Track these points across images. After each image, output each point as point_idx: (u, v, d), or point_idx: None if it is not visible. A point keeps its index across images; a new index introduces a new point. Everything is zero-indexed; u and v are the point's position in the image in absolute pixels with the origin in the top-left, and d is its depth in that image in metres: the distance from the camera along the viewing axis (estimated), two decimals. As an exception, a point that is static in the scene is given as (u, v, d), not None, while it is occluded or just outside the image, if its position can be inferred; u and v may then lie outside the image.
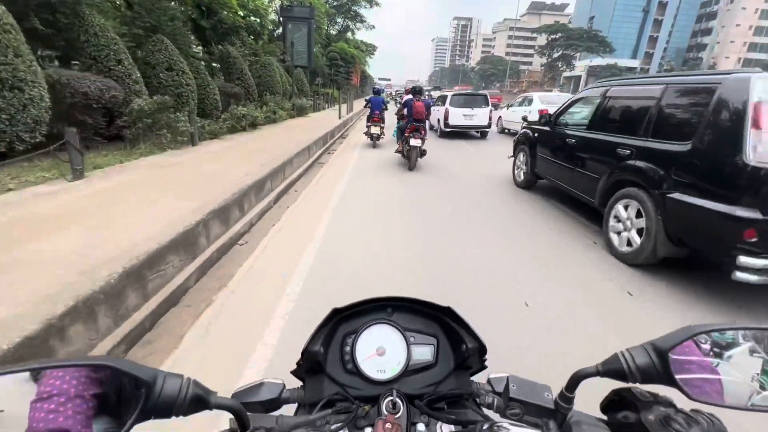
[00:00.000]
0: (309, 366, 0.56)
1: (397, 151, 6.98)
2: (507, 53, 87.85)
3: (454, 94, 10.99)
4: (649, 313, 2.39)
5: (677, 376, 0.41)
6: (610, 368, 0.44)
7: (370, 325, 0.59)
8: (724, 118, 2.48)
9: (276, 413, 0.50)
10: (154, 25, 6.94)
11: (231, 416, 0.42)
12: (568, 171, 4.04)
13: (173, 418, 0.37)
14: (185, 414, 0.38)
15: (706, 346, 0.43)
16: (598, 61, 56.29)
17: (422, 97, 6.73)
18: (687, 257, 2.73)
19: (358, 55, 34.49)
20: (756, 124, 2.30)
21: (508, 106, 12.89)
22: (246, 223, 3.61)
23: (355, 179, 5.72)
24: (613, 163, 3.28)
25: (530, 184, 5.23)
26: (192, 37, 9.33)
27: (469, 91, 12.17)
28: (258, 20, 14.14)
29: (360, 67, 39.82)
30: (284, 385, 0.54)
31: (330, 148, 8.72)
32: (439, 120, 10.97)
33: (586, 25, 65.47)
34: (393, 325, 0.59)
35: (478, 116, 10.66)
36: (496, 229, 3.79)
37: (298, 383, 0.58)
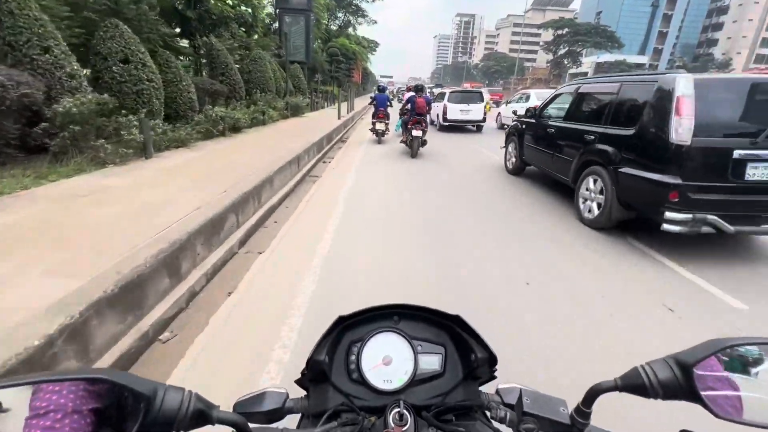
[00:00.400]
0: (313, 375, 0.56)
1: (402, 141, 8.33)
2: (511, 50, 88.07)
3: (452, 92, 12.48)
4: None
5: (702, 393, 0.39)
6: (630, 383, 0.43)
7: (376, 333, 0.58)
8: (657, 108, 3.26)
9: (279, 424, 0.50)
10: (113, 8, 6.07)
11: (233, 430, 0.42)
12: (549, 156, 4.84)
13: None
14: (186, 429, 0.38)
15: (732, 362, 0.41)
16: (606, 57, 56.21)
17: (423, 94, 7.82)
18: (633, 219, 3.60)
19: (360, 52, 33.87)
20: (678, 112, 3.07)
21: (507, 102, 13.51)
22: (176, 302, 2.29)
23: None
24: (582, 147, 4.06)
25: (519, 170, 6.09)
26: (171, 27, 8.61)
27: (465, 89, 13.70)
28: (249, 11, 13.26)
29: (362, 63, 39.61)
30: (287, 395, 0.53)
31: (327, 155, 7.77)
32: (438, 115, 12.25)
33: (593, 20, 65.05)
34: (400, 334, 0.58)
35: (474, 111, 11.98)
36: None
37: (302, 392, 0.58)
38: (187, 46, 9.73)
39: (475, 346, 0.57)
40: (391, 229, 3.63)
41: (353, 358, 0.56)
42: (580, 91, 4.51)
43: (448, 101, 11.94)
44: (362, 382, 0.55)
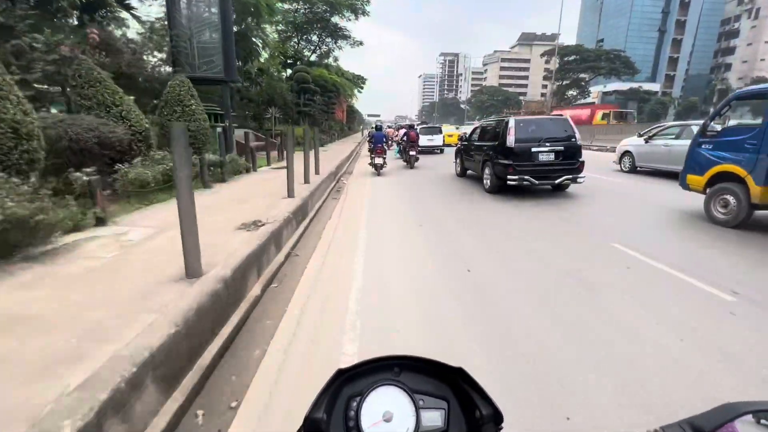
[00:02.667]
0: None
1: (402, 159, 14.29)
2: (501, 84, 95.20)
3: (421, 127, 20.90)
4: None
5: None
6: None
7: (376, 387, 0.57)
8: (503, 132, 7.84)
9: None
10: None
11: None
12: (471, 161, 9.51)
13: None
14: None
15: (751, 428, 0.41)
16: (616, 85, 56.77)
17: (414, 129, 14.06)
18: (502, 187, 7.91)
19: (344, 85, 31.22)
20: (510, 133, 7.65)
21: None
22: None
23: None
24: (482, 153, 8.65)
25: (463, 173, 10.72)
26: None
27: (429, 125, 21.95)
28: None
29: (346, 100, 38.16)
30: None
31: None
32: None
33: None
34: (401, 387, 0.57)
35: (436, 140, 19.94)
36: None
37: None
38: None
39: (479, 401, 0.56)
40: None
41: (352, 414, 0.55)
42: (481, 126, 9.48)
43: (420, 134, 19.27)
44: None
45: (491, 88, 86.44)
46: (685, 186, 6.09)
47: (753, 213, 5.16)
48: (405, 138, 13.28)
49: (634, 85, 54.16)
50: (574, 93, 55.64)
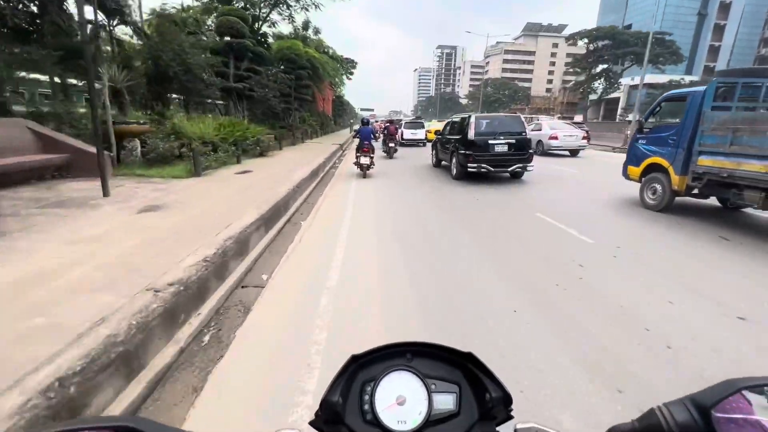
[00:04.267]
0: (327, 416, 0.58)
1: (382, 150, 16.11)
2: (503, 77, 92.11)
3: (406, 122, 24.10)
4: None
5: None
6: (647, 425, 0.46)
7: (389, 372, 0.62)
8: (467, 126, 9.80)
9: None
10: None
11: None
12: (444, 152, 11.36)
13: None
14: None
15: (755, 402, 0.42)
16: (647, 77, 42.23)
17: (394, 124, 17.35)
18: (466, 174, 9.76)
19: (326, 64, 24.86)
20: (471, 128, 9.60)
21: None
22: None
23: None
24: (451, 145, 10.52)
25: (438, 164, 12.54)
26: None
27: (413, 119, 24.03)
28: None
29: (332, 87, 31.87)
30: None
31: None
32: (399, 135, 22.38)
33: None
34: (413, 372, 0.61)
35: (419, 134, 22.79)
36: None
37: None
38: None
39: (489, 385, 0.60)
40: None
41: (366, 398, 0.60)
42: (451, 121, 11.51)
43: (404, 128, 22.85)
44: (376, 423, 0.58)
45: (497, 80, 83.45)
46: (627, 176, 7.68)
47: (674, 199, 6.53)
48: (386, 131, 16.16)
49: (674, 77, 44.89)
50: (601, 86, 47.18)
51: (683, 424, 0.42)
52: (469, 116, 9.57)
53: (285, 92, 18.22)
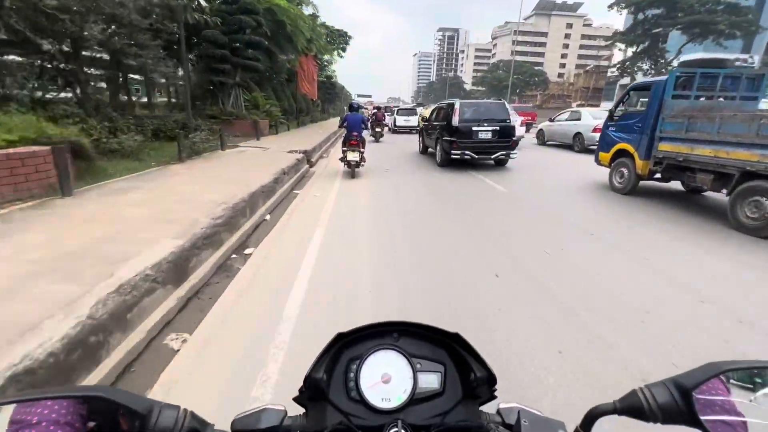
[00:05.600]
0: (311, 393, 0.59)
1: (370, 135, 16.40)
2: (499, 61, 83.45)
3: (398, 109, 24.99)
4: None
5: (702, 417, 0.43)
6: (629, 405, 0.48)
7: (375, 351, 0.62)
8: (451, 112, 9.99)
9: None
10: None
11: None
12: (429, 139, 11.51)
13: None
14: None
15: (734, 386, 0.44)
16: (700, 54, 34.24)
17: (382, 111, 20.25)
18: (449, 161, 10.01)
19: (297, 20, 17.67)
20: (455, 114, 9.78)
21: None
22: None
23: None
24: (436, 132, 10.72)
25: (424, 151, 12.78)
26: None
27: (407, 106, 24.02)
28: None
29: (313, 61, 23.48)
30: (286, 412, 0.58)
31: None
32: (389, 123, 23.59)
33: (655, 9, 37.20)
34: (399, 351, 0.62)
35: (411, 121, 22.75)
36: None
37: (300, 410, 0.62)
38: None
39: (474, 365, 0.61)
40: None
41: (352, 375, 0.61)
42: (437, 107, 11.63)
43: (396, 115, 23.28)
44: (360, 400, 0.58)
45: (517, 63, 74.77)
46: (598, 162, 8.16)
47: (639, 182, 7.11)
48: (374, 117, 18.18)
49: (730, 56, 31.96)
50: (645, 66, 37.82)
51: (664, 404, 0.45)
52: (454, 103, 9.75)
53: (209, 53, 13.13)
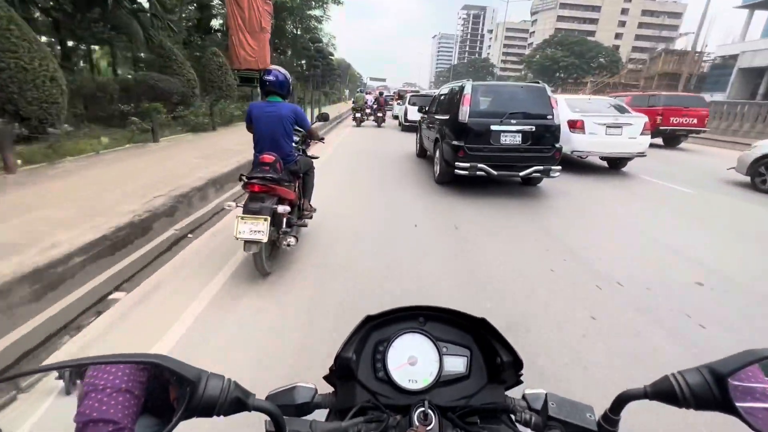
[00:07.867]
0: (341, 372, 0.63)
1: (373, 120, 18.62)
2: (555, 36, 66.52)
3: (411, 96, 17.24)
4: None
5: (738, 404, 0.42)
6: (660, 391, 0.47)
7: (402, 334, 0.65)
8: (457, 102, 6.22)
9: (308, 417, 0.57)
10: None
11: (266, 418, 0.50)
12: (428, 139, 7.67)
13: (213, 417, 0.44)
14: (225, 414, 0.45)
15: None
16: None
17: (382, 96, 18.76)
18: (452, 177, 6.26)
19: None
20: (464, 103, 6.04)
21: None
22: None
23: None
24: (436, 129, 6.93)
25: (422, 154, 9.16)
26: None
27: (422, 94, 17.24)
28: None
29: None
30: (316, 390, 0.62)
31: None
32: (399, 115, 18.18)
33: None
34: (425, 335, 0.65)
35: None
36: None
37: (330, 388, 0.66)
38: None
39: (500, 350, 0.63)
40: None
41: (379, 357, 0.64)
42: (439, 92, 7.75)
43: (408, 104, 16.40)
44: (388, 381, 0.62)
45: (572, 36, 60.31)
46: None
47: None
48: (376, 103, 18.37)
49: None
50: None
51: (697, 390, 0.43)
52: (463, 85, 6.14)
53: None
